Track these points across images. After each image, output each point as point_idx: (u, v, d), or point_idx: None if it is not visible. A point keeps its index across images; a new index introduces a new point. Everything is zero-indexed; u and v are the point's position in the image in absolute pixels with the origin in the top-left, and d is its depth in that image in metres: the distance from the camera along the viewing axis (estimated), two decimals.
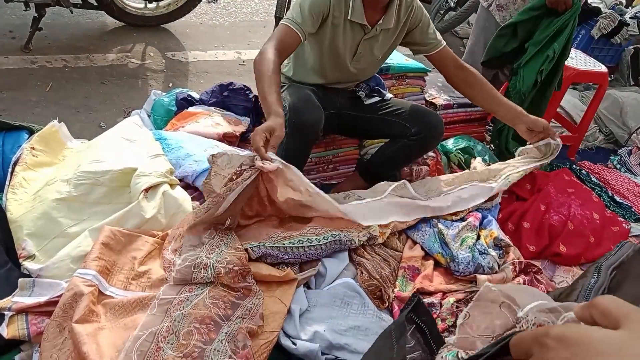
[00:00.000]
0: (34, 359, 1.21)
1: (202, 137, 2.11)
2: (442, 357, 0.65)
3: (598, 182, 2.65)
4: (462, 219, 1.88)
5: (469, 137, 2.64)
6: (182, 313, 1.28)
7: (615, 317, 0.36)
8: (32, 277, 1.37)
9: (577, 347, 0.35)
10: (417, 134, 1.99)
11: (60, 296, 1.29)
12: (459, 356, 0.62)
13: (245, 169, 1.52)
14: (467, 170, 2.25)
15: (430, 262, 1.73)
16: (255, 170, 1.50)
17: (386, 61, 2.54)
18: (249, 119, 2.43)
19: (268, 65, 1.62)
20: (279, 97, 1.60)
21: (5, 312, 1.25)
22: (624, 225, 2.05)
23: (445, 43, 2.02)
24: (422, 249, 1.78)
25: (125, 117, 2.61)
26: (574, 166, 2.66)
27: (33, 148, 1.75)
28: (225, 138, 2.21)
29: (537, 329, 0.40)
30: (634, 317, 0.35)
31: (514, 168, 2.05)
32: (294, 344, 1.35)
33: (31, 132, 1.86)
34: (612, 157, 3.04)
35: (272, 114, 1.53)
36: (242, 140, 2.35)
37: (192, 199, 1.73)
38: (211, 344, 1.24)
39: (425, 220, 1.83)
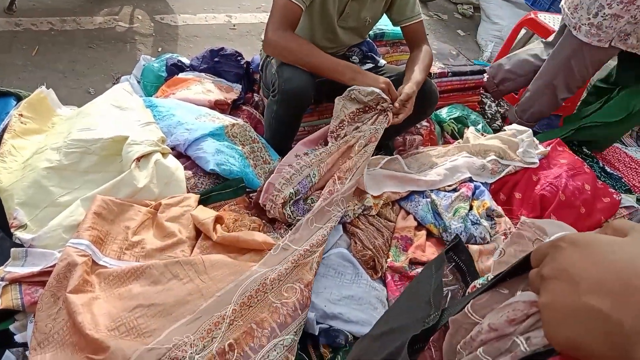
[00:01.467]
0: (29, 328, 1.21)
1: (193, 105, 2.07)
2: (474, 284, 0.71)
3: (589, 152, 2.66)
4: (455, 190, 1.89)
5: (463, 106, 2.63)
6: (294, 266, 1.38)
7: (624, 229, 0.41)
8: (24, 246, 1.36)
9: (586, 247, 0.39)
10: None
11: (53, 266, 1.28)
12: (488, 279, 0.67)
13: (380, 108, 1.72)
14: (458, 142, 2.25)
15: (423, 233, 1.74)
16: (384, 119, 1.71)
17: (380, 28, 2.50)
18: (240, 86, 2.40)
19: (297, 42, 1.71)
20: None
21: None
22: (614, 196, 2.07)
23: (422, 17, 1.98)
24: (415, 219, 1.79)
25: (114, 83, 2.56)
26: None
27: (21, 115, 1.71)
28: (217, 105, 2.18)
29: (554, 238, 0.45)
30: (638, 228, 0.40)
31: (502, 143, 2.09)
32: None
33: (19, 99, 1.82)
34: None
35: (358, 71, 1.72)
36: (233, 108, 2.32)
37: (185, 168, 1.71)
38: (304, 312, 1.31)
39: (418, 192, 1.84)
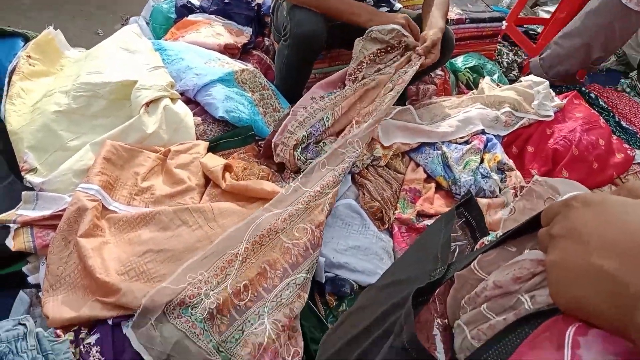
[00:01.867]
0: (41, 270, 1.23)
1: (202, 48, 2.03)
2: (482, 240, 0.71)
3: (606, 106, 2.60)
4: (467, 142, 1.86)
5: (479, 55, 2.56)
6: (305, 208, 1.39)
7: (638, 191, 0.41)
8: (35, 190, 1.38)
9: (599, 207, 0.39)
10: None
11: (64, 210, 1.29)
12: (497, 236, 0.66)
13: (403, 47, 1.69)
14: (472, 92, 2.20)
15: (432, 185, 1.73)
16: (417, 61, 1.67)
17: None
18: (251, 29, 2.34)
19: None
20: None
21: (11, 225, 1.27)
22: (628, 152, 2.03)
23: None
24: (425, 171, 1.77)
25: (123, 25, 2.51)
26: (583, 89, 2.60)
27: (29, 56, 1.69)
28: (227, 49, 2.13)
29: (566, 197, 0.44)
30: None
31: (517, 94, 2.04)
32: None
33: (26, 40, 1.79)
34: (622, 80, 2.97)
35: (374, 13, 1.68)
36: (243, 52, 2.27)
37: (194, 115, 1.70)
38: (315, 251, 1.33)
39: (429, 143, 1.81)
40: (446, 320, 0.62)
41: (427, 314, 0.63)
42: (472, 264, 0.57)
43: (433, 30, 1.71)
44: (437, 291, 0.70)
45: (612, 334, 0.35)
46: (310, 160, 1.55)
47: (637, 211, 0.37)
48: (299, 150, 1.56)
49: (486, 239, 0.75)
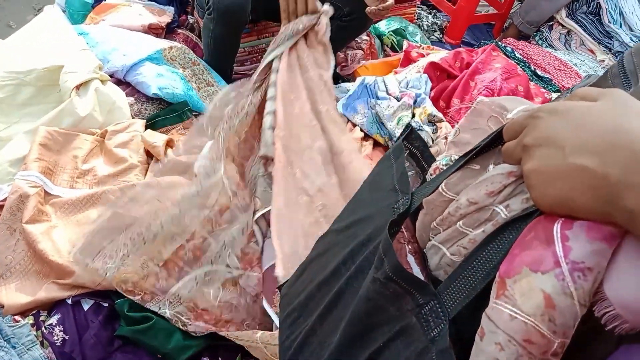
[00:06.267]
0: None
1: (126, 30, 1.99)
2: (436, 164, 0.71)
3: (521, 57, 2.76)
4: (397, 99, 1.94)
5: (401, 19, 2.64)
6: None
7: (591, 95, 0.43)
8: None
9: (566, 113, 0.41)
10: (350, 14, 1.97)
11: (4, 200, 1.26)
12: (452, 159, 0.67)
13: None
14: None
15: (370, 142, 1.80)
16: None
17: None
18: (173, 8, 2.30)
19: None
20: None
21: None
22: (545, 95, 2.18)
23: None
24: (362, 130, 1.84)
25: (37, 15, 2.40)
26: (499, 43, 2.74)
27: None
28: (151, 30, 2.10)
29: (530, 110, 0.46)
30: (607, 92, 0.42)
31: None
32: None
33: None
34: (534, 34, 3.15)
35: None
36: (168, 32, 2.24)
37: (126, 95, 1.68)
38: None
39: (362, 103, 1.88)
40: (416, 245, 0.64)
41: (396, 244, 0.64)
42: (439, 187, 0.58)
43: None
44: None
45: (595, 222, 0.38)
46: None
47: (603, 111, 0.40)
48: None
49: (440, 164, 0.75)
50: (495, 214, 0.49)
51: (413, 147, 0.87)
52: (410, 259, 0.64)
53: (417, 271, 0.59)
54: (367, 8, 1.71)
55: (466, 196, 0.53)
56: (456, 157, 0.65)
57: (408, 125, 0.86)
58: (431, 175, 0.73)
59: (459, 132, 0.72)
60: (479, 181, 0.52)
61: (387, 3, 1.70)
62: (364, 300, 0.49)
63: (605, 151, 0.37)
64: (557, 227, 0.39)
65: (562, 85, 2.65)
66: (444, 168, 0.69)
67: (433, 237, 0.58)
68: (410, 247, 0.65)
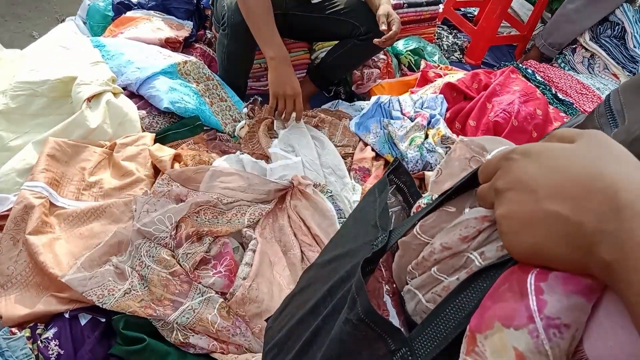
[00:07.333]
0: None
1: (143, 43, 2.01)
2: (419, 202, 0.69)
3: (542, 80, 2.72)
4: (411, 119, 1.91)
5: (419, 38, 2.62)
6: None
7: (569, 136, 0.40)
8: None
9: (539, 156, 0.39)
10: (367, 33, 1.96)
11: (10, 210, 1.26)
12: (432, 198, 0.65)
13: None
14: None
15: (381, 162, 1.77)
16: None
17: None
18: (192, 23, 2.33)
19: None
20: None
21: None
22: (565, 120, 2.13)
23: None
24: (373, 150, 1.82)
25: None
26: (520, 65, 2.70)
27: None
28: (168, 44, 2.12)
29: (504, 151, 0.44)
30: (585, 133, 0.39)
31: None
32: None
33: None
34: (557, 56, 3.11)
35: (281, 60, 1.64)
36: (185, 46, 2.25)
37: (138, 108, 1.68)
38: None
39: (375, 122, 1.86)
40: (394, 285, 0.62)
41: (374, 283, 0.62)
42: (414, 229, 0.56)
43: (381, 7, 1.80)
44: (380, 259, 0.70)
45: (572, 274, 0.35)
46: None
47: (578, 154, 0.37)
48: None
49: (422, 202, 0.74)
50: (469, 262, 0.47)
51: (400, 181, 0.84)
52: (387, 299, 0.61)
53: (393, 314, 0.57)
54: (374, 40, 1.77)
55: (440, 240, 0.51)
56: (436, 196, 0.63)
57: (395, 159, 0.84)
58: (413, 212, 0.71)
59: (440, 172, 0.70)
60: (453, 225, 0.50)
61: (391, 33, 1.73)
62: (337, 342, 0.47)
63: (579, 197, 0.34)
64: (531, 279, 0.36)
65: (584, 110, 2.59)
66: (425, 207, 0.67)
67: (410, 281, 0.55)
68: (388, 287, 0.62)
